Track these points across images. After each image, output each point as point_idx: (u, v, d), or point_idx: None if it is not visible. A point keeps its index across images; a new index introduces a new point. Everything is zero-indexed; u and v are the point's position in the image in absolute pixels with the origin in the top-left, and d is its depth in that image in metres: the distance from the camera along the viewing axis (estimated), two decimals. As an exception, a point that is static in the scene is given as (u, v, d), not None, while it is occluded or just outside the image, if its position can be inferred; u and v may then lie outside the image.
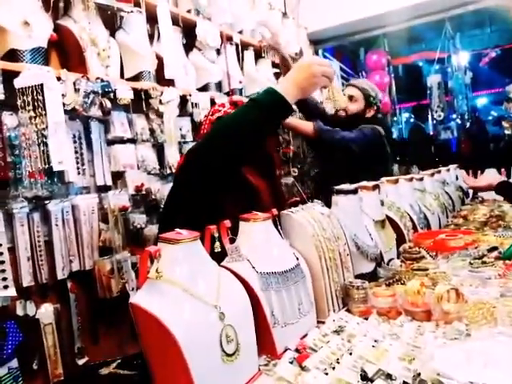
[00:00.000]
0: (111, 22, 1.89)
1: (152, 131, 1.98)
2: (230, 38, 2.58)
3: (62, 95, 1.54)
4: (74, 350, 1.61)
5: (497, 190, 2.18)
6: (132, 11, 1.86)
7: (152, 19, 2.02)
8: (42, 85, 1.48)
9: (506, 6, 3.39)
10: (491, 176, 2.52)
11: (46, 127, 1.48)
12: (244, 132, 1.03)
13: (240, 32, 2.74)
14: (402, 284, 1.20)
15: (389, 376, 0.76)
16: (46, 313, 1.50)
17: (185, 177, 1.10)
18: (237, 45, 2.66)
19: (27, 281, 1.49)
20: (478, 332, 0.89)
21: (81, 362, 1.61)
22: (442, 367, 0.73)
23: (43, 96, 1.48)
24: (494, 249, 1.48)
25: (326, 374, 0.79)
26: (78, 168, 1.69)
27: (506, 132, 3.67)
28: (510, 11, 3.44)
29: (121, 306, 1.57)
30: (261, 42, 2.91)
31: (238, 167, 1.10)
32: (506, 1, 3.32)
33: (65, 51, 1.68)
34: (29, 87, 1.45)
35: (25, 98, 1.45)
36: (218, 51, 2.51)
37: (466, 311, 0.98)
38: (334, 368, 0.80)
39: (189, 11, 2.31)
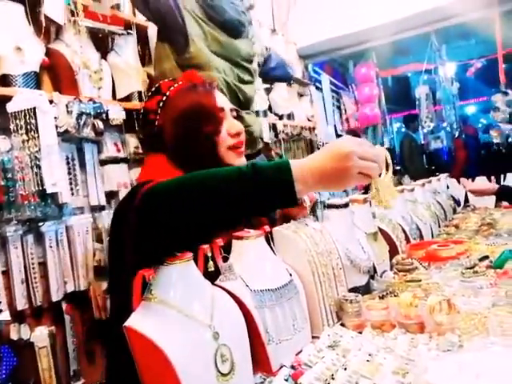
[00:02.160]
0: (103, 44, 1.92)
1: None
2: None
3: (55, 118, 1.55)
4: (69, 372, 1.60)
5: (498, 194, 2.21)
6: (123, 33, 1.90)
7: (143, 40, 2.06)
8: (34, 108, 1.49)
9: (489, 18, 3.49)
10: (487, 182, 2.57)
11: (39, 150, 1.49)
12: (221, 203, 0.75)
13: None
14: (395, 296, 1.21)
15: (383, 390, 0.77)
16: (40, 336, 1.49)
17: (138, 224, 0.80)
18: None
19: (21, 304, 1.48)
20: (471, 343, 0.91)
21: (77, 384, 1.60)
22: (434, 379, 0.74)
23: (36, 119, 1.49)
24: (485, 258, 1.50)
25: (322, 390, 0.80)
26: (71, 189, 1.70)
27: (495, 141, 3.75)
28: (492, 23, 3.54)
29: (117, 326, 1.56)
30: None
31: (197, 235, 0.81)
32: (489, 13, 3.41)
33: (57, 75, 1.69)
34: (21, 111, 1.47)
35: (17, 121, 1.46)
36: (209, 69, 2.55)
37: (458, 322, 1.00)
38: (328, 384, 0.81)
39: (179, 31, 2.35)
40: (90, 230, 1.72)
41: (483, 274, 1.37)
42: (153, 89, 1.17)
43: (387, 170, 0.85)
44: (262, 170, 0.76)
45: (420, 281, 1.37)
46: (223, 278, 0.92)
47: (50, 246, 1.57)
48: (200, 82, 1.16)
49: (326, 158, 0.77)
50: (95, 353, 1.70)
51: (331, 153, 0.77)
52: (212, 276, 0.89)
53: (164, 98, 1.10)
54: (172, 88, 1.12)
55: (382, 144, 5.27)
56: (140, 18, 2.02)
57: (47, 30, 1.69)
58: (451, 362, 0.82)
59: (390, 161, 0.83)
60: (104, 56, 1.90)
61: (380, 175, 0.82)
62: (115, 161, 1.89)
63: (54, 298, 1.56)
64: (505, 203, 2.65)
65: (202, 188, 0.76)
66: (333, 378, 0.82)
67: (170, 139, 1.09)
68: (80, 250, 1.66)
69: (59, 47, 1.68)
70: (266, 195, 0.75)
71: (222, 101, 1.18)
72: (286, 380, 0.85)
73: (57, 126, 1.55)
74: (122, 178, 1.87)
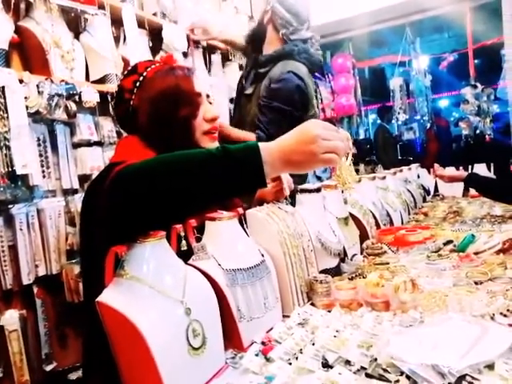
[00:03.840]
0: (75, 24, 1.88)
1: (119, 134, 1.98)
2: (196, 42, 2.60)
3: (25, 98, 1.52)
4: (41, 356, 1.59)
5: (466, 180, 2.29)
6: (96, 14, 1.86)
7: (117, 22, 2.01)
8: (3, 87, 1.45)
9: (461, 13, 3.58)
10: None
11: (9, 130, 1.46)
12: (193, 184, 0.75)
13: (207, 35, 2.76)
14: (363, 278, 1.26)
15: (348, 362, 0.81)
16: (10, 319, 1.47)
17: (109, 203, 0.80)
18: (204, 48, 2.68)
19: (-9, 287, 1.47)
20: (431, 318, 0.96)
21: (48, 367, 1.59)
22: (396, 352, 0.78)
23: (5, 99, 1.45)
24: (450, 242, 1.57)
25: (290, 363, 0.83)
26: (42, 171, 1.67)
27: (464, 132, 3.88)
28: (465, 17, 3.63)
29: (89, 309, 1.56)
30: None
31: (170, 216, 0.81)
32: (460, 7, 3.50)
33: (27, 53, 1.65)
34: (-11, 90, 1.43)
35: (-15, 100, 1.43)
36: (185, 54, 2.53)
37: (420, 300, 1.05)
38: (297, 358, 0.84)
39: (155, 14, 2.31)
40: (62, 214, 1.70)
41: (447, 257, 1.44)
42: (129, 68, 1.15)
43: (347, 154, 0.88)
44: (231, 152, 0.77)
45: (388, 264, 1.43)
46: (196, 258, 0.93)
47: (21, 229, 1.54)
48: (178, 66, 1.15)
49: (293, 140, 0.80)
50: (68, 336, 1.69)
51: (298, 136, 0.80)
52: (185, 256, 0.90)
53: (141, 78, 1.08)
54: (149, 69, 1.10)
55: (357, 135, 5.36)
56: (114, -1, 1.98)
57: (16, 6, 1.64)
58: (411, 335, 0.87)
59: (351, 145, 0.86)
60: (76, 36, 1.86)
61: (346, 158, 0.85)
62: (88, 144, 1.86)
63: (25, 282, 1.54)
64: (472, 192, 2.76)
65: (171, 170, 0.76)
66: (301, 352, 0.86)
67: (144, 120, 1.08)
68: (52, 234, 1.64)
69: (29, 25, 1.63)
70: (235, 177, 0.76)
71: (200, 86, 1.18)
72: (257, 355, 0.87)
73: (27, 107, 1.52)
74: (95, 162, 1.85)
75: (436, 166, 2.55)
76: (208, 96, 1.21)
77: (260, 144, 0.78)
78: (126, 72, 1.15)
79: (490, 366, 0.72)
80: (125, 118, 1.14)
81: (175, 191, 0.75)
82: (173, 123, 1.09)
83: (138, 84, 1.08)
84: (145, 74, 1.09)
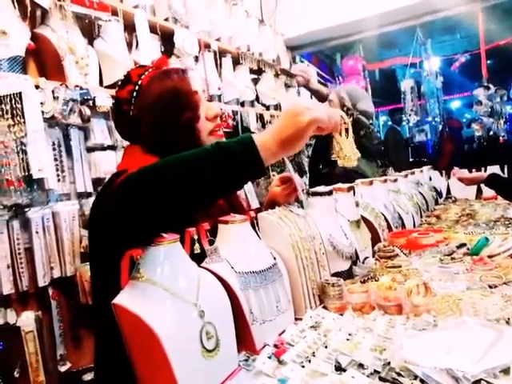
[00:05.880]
0: (89, 30, 1.91)
1: (132, 138, 2.01)
2: (207, 46, 2.62)
3: (41, 103, 1.55)
4: (56, 356, 1.61)
5: (487, 182, 2.25)
6: (110, 20, 1.89)
7: (130, 27, 2.05)
8: (20, 93, 1.49)
9: (473, 13, 3.54)
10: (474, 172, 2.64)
11: (25, 135, 1.49)
12: (194, 184, 0.79)
13: (218, 39, 2.79)
14: (376, 281, 1.26)
15: (361, 365, 0.81)
16: (27, 320, 1.50)
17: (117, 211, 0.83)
18: (215, 52, 2.71)
19: (7, 289, 1.49)
20: (444, 322, 0.95)
21: (63, 368, 1.61)
22: (409, 355, 0.78)
23: (22, 104, 1.49)
24: (463, 245, 1.55)
25: (303, 366, 0.83)
26: (57, 175, 1.70)
27: (477, 134, 3.83)
28: (477, 17, 3.59)
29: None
30: (238, 49, 2.96)
31: (177, 217, 0.85)
32: (472, 8, 3.46)
33: (43, 60, 1.69)
34: (7, 95, 1.46)
35: (3, 106, 1.46)
36: (197, 58, 2.55)
37: (433, 304, 1.04)
38: (309, 361, 0.84)
39: (166, 19, 2.34)
40: (76, 217, 1.72)
41: (460, 261, 1.42)
42: (122, 77, 1.09)
43: (347, 132, 0.91)
44: (225, 144, 0.81)
45: (400, 267, 1.42)
46: (209, 261, 0.94)
47: (37, 232, 1.57)
48: (172, 69, 1.10)
49: (281, 118, 0.85)
50: (82, 337, 1.71)
51: (286, 112, 0.85)
52: (198, 259, 0.91)
53: (136, 87, 1.04)
54: (143, 76, 1.06)
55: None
56: (127, 5, 2.01)
57: (32, 14, 1.68)
58: (425, 339, 0.87)
59: (347, 120, 0.90)
60: (90, 42, 1.89)
61: (341, 134, 0.89)
62: (102, 148, 1.89)
63: (41, 284, 1.57)
64: (485, 195, 2.73)
65: (170, 172, 0.80)
66: (314, 355, 0.86)
67: (147, 128, 1.06)
68: (66, 236, 1.67)
69: (45, 32, 1.67)
70: (234, 170, 0.80)
71: (196, 84, 1.13)
72: (269, 358, 0.88)
73: (43, 112, 1.55)
74: (109, 166, 1.88)
75: (456, 169, 2.52)
76: (204, 91, 1.18)
77: (253, 135, 0.82)
78: (119, 82, 1.09)
79: (506, 371, 0.72)
80: (125, 129, 1.12)
81: (177, 191, 0.79)
82: (177, 128, 1.06)
83: (134, 94, 1.05)
84: (139, 82, 1.05)
